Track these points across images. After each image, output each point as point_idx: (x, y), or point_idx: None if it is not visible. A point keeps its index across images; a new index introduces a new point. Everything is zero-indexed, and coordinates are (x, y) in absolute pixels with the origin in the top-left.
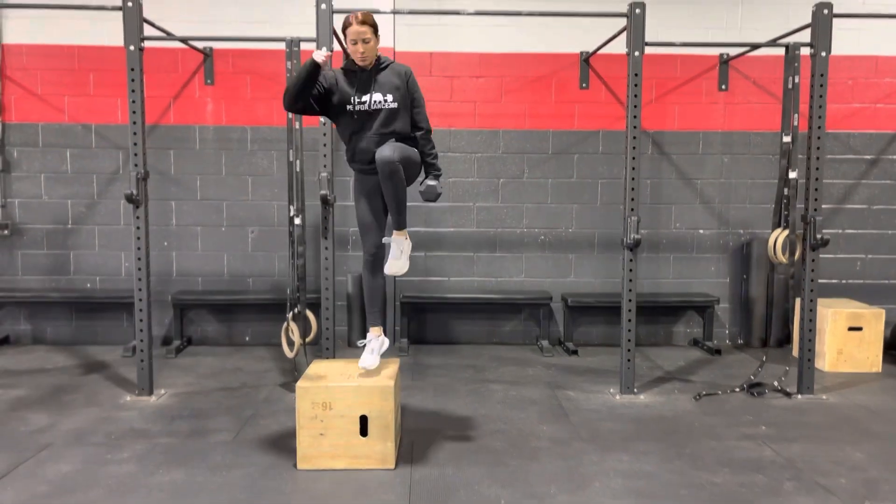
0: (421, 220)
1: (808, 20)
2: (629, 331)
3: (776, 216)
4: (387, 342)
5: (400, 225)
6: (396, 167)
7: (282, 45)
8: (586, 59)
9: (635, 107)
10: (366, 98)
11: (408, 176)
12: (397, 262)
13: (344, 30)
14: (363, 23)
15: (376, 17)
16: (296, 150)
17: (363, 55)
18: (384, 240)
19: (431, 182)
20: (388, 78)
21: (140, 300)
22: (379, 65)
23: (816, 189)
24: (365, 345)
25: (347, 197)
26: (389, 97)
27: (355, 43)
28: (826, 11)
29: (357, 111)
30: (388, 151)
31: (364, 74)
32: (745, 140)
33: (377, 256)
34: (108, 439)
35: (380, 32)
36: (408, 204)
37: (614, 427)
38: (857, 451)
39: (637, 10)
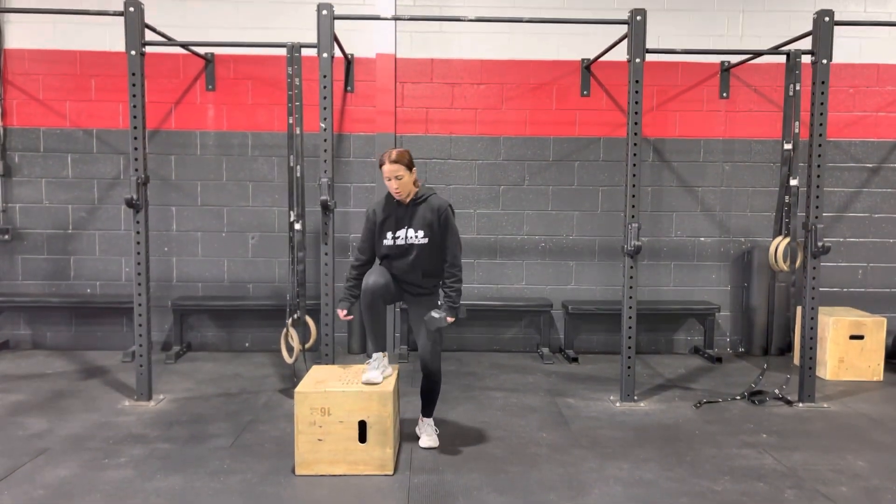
0: None
1: (810, 28)
2: (630, 338)
3: (777, 224)
4: (390, 368)
5: (428, 413)
6: (439, 378)
7: (283, 51)
8: (587, 67)
9: (636, 114)
10: (399, 233)
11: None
12: (431, 437)
13: (380, 167)
14: (395, 162)
15: (377, 24)
16: (296, 156)
17: (397, 191)
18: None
19: (436, 315)
20: (422, 213)
21: (140, 305)
22: (416, 200)
23: (818, 197)
24: (370, 365)
25: (348, 203)
26: (421, 233)
27: (389, 180)
28: (827, 19)
29: (391, 244)
30: (432, 365)
31: (402, 209)
32: (746, 148)
33: (376, 294)
34: (106, 444)
35: (414, 169)
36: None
37: (614, 434)
38: (858, 460)
39: (638, 18)
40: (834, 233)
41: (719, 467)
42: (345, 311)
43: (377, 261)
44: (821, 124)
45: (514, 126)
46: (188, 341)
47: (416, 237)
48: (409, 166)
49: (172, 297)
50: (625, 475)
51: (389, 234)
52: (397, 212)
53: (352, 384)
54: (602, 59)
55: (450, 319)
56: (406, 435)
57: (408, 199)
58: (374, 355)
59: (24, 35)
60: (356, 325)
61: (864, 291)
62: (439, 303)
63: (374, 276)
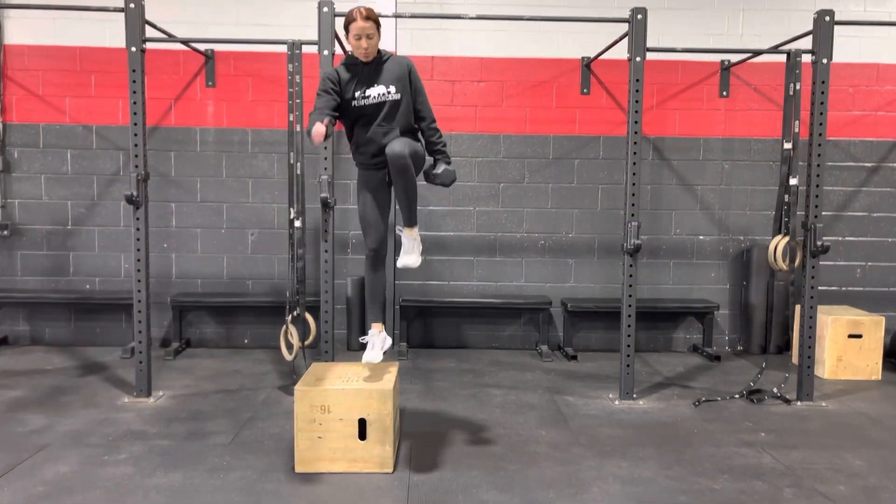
0: (421, 223)
1: (810, 27)
2: (629, 336)
3: (776, 223)
4: (389, 340)
5: (411, 221)
6: (408, 162)
7: (283, 48)
8: (587, 65)
9: (636, 112)
10: (369, 91)
11: (415, 162)
12: (410, 255)
13: (346, 25)
14: (367, 18)
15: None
16: (296, 153)
17: (367, 51)
18: (397, 229)
19: (449, 167)
20: (390, 70)
21: (139, 302)
22: (380, 58)
23: (817, 196)
24: (366, 342)
25: (348, 200)
26: (392, 89)
27: (359, 38)
28: (828, 18)
29: (361, 105)
30: (399, 147)
31: (366, 68)
32: (746, 146)
33: (379, 253)
34: (105, 441)
35: (381, 29)
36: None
37: (613, 433)
38: (856, 459)
39: (639, 16)
40: (833, 232)
41: (718, 466)
42: (326, 122)
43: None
44: (820, 123)
45: (514, 124)
46: (187, 338)
47: (389, 93)
48: (379, 25)
49: (171, 293)
50: (624, 473)
51: (358, 94)
52: (361, 72)
53: (352, 381)
54: (602, 57)
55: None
56: (407, 432)
57: (370, 60)
58: (371, 331)
59: (24, 30)
60: (356, 322)
61: (863, 290)
62: (434, 161)
63: (372, 237)
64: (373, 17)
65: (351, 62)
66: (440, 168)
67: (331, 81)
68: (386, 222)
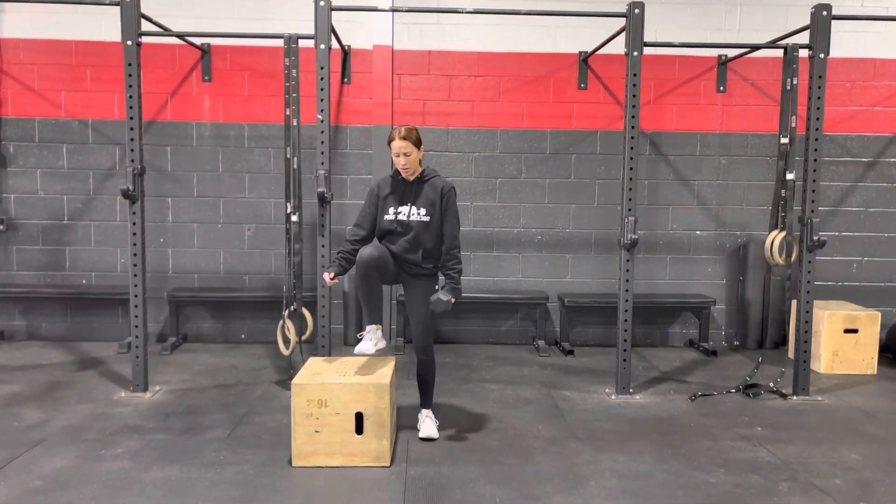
0: None
1: (807, 22)
2: (625, 331)
3: (773, 218)
4: (384, 342)
5: (429, 405)
6: (432, 362)
7: (280, 42)
8: (585, 60)
9: (633, 107)
10: (401, 209)
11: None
12: (429, 429)
13: (388, 143)
14: (404, 138)
15: (375, 15)
16: (293, 148)
17: (405, 167)
18: (358, 335)
19: (444, 297)
20: (425, 192)
21: (136, 297)
22: (422, 177)
23: (813, 191)
24: (362, 336)
25: (345, 195)
26: (423, 211)
27: (398, 156)
28: (825, 13)
29: (392, 219)
30: (423, 356)
31: (406, 186)
32: (743, 141)
33: (370, 266)
34: (102, 435)
35: (422, 147)
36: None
37: (610, 427)
38: (852, 453)
39: (636, 11)
40: (829, 227)
41: (714, 460)
42: (331, 274)
43: (375, 240)
44: (817, 118)
45: (511, 119)
46: (184, 333)
47: (419, 215)
48: (418, 144)
49: (168, 288)
50: (620, 467)
51: (391, 210)
52: (401, 188)
53: (349, 376)
54: (599, 52)
55: (451, 300)
56: (403, 426)
57: (413, 177)
58: (368, 328)
59: (20, 24)
60: (353, 317)
61: (859, 285)
62: (437, 287)
63: (370, 249)
64: (410, 138)
65: (396, 176)
66: (435, 296)
67: (372, 195)
68: (388, 268)
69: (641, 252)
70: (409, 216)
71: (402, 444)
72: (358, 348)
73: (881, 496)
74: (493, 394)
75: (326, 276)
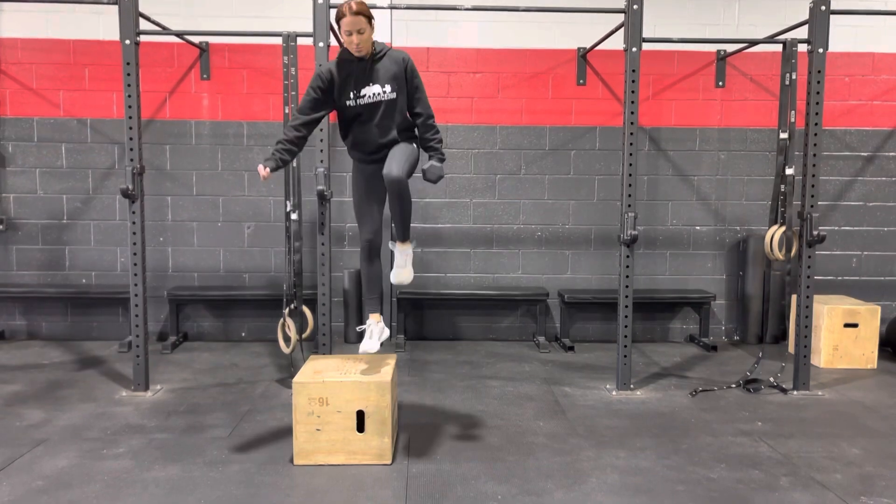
0: (418, 215)
1: (806, 17)
2: (626, 327)
3: (773, 213)
4: (387, 331)
5: (405, 237)
6: (405, 185)
7: (278, 40)
8: (583, 56)
9: (632, 103)
10: (364, 91)
11: (410, 174)
12: (402, 270)
13: (338, 20)
14: (357, 13)
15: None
16: None
17: (359, 46)
18: (389, 244)
19: (436, 163)
20: (385, 67)
21: (136, 296)
22: (375, 54)
23: (813, 186)
24: (364, 330)
25: (344, 192)
26: (388, 87)
27: (350, 34)
28: (823, 8)
29: (356, 104)
30: (396, 170)
31: (361, 65)
32: (742, 137)
33: (374, 243)
34: (103, 435)
35: (374, 22)
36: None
37: (611, 423)
38: (852, 447)
39: (634, 6)
40: (829, 221)
41: (715, 455)
42: (267, 169)
43: (348, 144)
44: (816, 113)
45: (510, 115)
46: (184, 331)
47: (384, 92)
48: (371, 19)
49: (168, 287)
50: (621, 463)
51: (352, 94)
52: (356, 70)
53: (350, 374)
54: (598, 47)
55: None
56: (405, 424)
57: (366, 55)
58: (368, 321)
59: (18, 24)
60: (353, 315)
61: (859, 280)
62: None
63: (367, 228)
64: (363, 12)
65: (345, 58)
66: (427, 164)
67: (320, 79)
68: (381, 214)
69: (641, 247)
70: (373, 97)
71: (403, 442)
72: (362, 348)
73: (882, 490)
74: (493, 390)
75: (261, 169)
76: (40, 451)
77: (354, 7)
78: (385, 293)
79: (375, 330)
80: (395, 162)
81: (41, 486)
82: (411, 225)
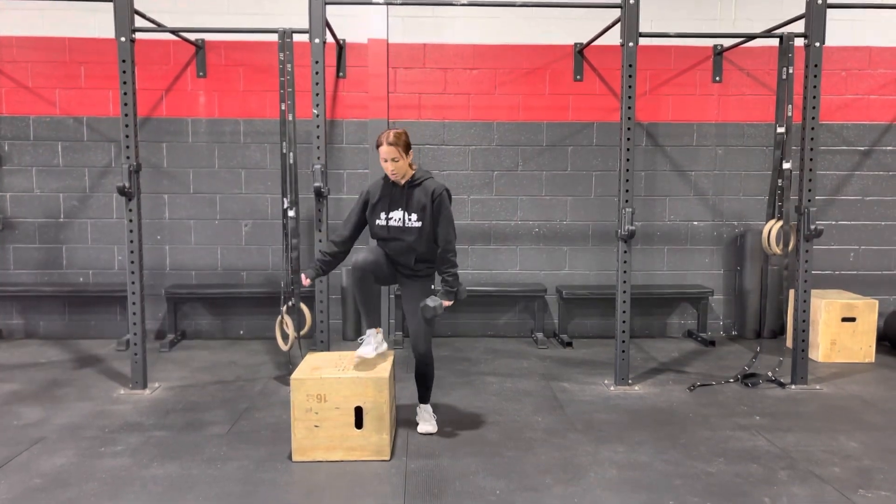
0: None
1: (802, 11)
2: (624, 322)
3: (770, 207)
4: (385, 345)
5: (426, 400)
6: (430, 359)
7: (274, 37)
8: (580, 51)
9: (629, 98)
10: (392, 214)
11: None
12: (427, 424)
13: (377, 147)
14: (392, 144)
15: (369, 9)
16: (289, 143)
17: (393, 173)
18: (358, 339)
19: (431, 304)
20: (417, 197)
21: (133, 294)
22: (412, 181)
23: (810, 180)
24: (363, 341)
25: (341, 190)
26: (414, 216)
27: (385, 161)
28: (820, 2)
29: (384, 224)
30: (422, 347)
31: (397, 189)
32: (739, 131)
33: (366, 272)
34: (102, 433)
35: (412, 152)
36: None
37: (609, 418)
38: (850, 441)
39: (631, 1)
40: (826, 216)
41: (713, 449)
42: (308, 280)
43: (373, 242)
44: (813, 107)
45: (507, 111)
46: (182, 329)
47: (410, 220)
48: (406, 148)
49: (166, 285)
50: (620, 458)
51: (382, 215)
52: (392, 193)
53: (347, 370)
54: (595, 43)
55: (446, 303)
56: (402, 420)
57: (403, 182)
58: (368, 332)
59: (13, 22)
60: (351, 312)
61: (856, 274)
62: (434, 287)
63: (364, 253)
64: (397, 143)
65: (386, 180)
66: (423, 303)
67: (367, 194)
68: (384, 271)
69: (639, 243)
70: (399, 222)
71: (401, 438)
72: (359, 352)
73: (880, 483)
74: (492, 386)
75: (304, 278)
76: (38, 450)
77: (391, 138)
78: (383, 291)
79: (374, 340)
80: (421, 339)
81: (39, 485)
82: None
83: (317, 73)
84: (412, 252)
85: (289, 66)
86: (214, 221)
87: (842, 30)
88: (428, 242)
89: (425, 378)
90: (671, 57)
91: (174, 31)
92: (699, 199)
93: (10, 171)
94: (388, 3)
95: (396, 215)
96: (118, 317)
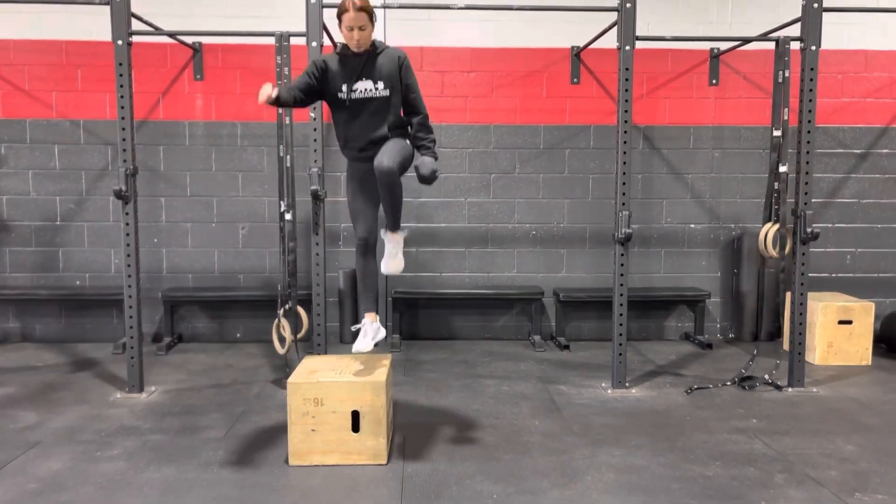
0: (412, 215)
1: (798, 14)
2: (621, 325)
3: (767, 210)
4: (383, 330)
5: (395, 227)
6: (395, 178)
7: (271, 41)
8: (577, 54)
9: (626, 101)
10: (357, 86)
11: (403, 169)
12: (393, 259)
13: (339, 15)
14: (360, 10)
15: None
16: (286, 146)
17: (359, 42)
18: (381, 233)
19: (428, 158)
20: (381, 64)
21: (130, 297)
22: (373, 51)
23: (806, 183)
24: (359, 329)
25: (338, 192)
26: (381, 84)
27: (351, 30)
28: (816, 5)
29: (349, 99)
30: (388, 162)
31: (357, 61)
32: (736, 134)
33: (369, 242)
34: (98, 437)
35: (376, 19)
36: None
37: (606, 421)
38: (847, 444)
39: (628, 5)
40: (823, 218)
41: (710, 452)
42: (276, 91)
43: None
44: (809, 111)
45: (504, 114)
46: (179, 333)
47: (377, 89)
48: (373, 16)
49: (162, 288)
50: (617, 461)
51: (344, 87)
52: (353, 64)
53: (344, 374)
54: (592, 46)
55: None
56: (399, 425)
57: (363, 51)
58: (364, 320)
59: (9, 25)
60: (348, 315)
61: (853, 276)
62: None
63: (362, 227)
64: (366, 9)
65: (344, 53)
66: (419, 160)
67: (315, 67)
68: (375, 211)
69: (636, 246)
70: (365, 92)
71: (398, 442)
72: (356, 347)
73: (877, 486)
74: (489, 389)
75: (268, 87)
76: (34, 454)
77: (358, 3)
78: (380, 292)
79: (370, 329)
80: (387, 154)
81: (35, 489)
82: (401, 217)
83: None
84: (383, 122)
85: (286, 69)
86: (211, 224)
87: (838, 33)
88: (397, 110)
89: (393, 196)
90: (668, 60)
91: (171, 34)
92: (696, 201)
93: (7, 173)
94: (384, 7)
95: (362, 86)
96: (115, 320)
